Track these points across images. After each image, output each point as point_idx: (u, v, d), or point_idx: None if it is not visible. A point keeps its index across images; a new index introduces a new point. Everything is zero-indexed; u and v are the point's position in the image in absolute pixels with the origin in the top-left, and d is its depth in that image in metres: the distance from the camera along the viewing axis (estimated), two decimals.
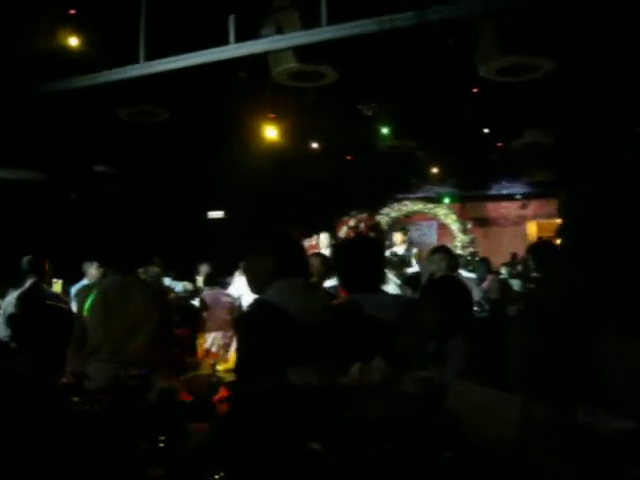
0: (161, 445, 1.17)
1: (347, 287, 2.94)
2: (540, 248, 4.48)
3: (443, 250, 4.84)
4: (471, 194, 11.54)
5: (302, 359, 2.08)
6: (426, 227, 11.75)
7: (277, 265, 2.28)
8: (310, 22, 5.83)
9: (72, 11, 6.14)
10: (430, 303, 2.38)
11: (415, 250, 7.45)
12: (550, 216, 12.52)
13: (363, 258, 2.97)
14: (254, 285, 2.36)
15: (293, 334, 2.16)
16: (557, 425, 1.24)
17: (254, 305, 2.23)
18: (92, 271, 6.88)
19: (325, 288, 3.18)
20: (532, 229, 13.07)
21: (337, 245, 4.93)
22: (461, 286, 2.52)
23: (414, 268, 7.31)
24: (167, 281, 7.25)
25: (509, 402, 1.37)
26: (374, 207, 8.56)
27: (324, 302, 2.33)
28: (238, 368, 2.39)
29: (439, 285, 2.45)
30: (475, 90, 8.19)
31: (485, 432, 1.26)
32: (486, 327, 2.66)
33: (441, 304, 2.36)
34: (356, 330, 2.31)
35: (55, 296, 5.44)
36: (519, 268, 8.67)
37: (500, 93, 7.74)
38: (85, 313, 2.68)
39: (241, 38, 5.92)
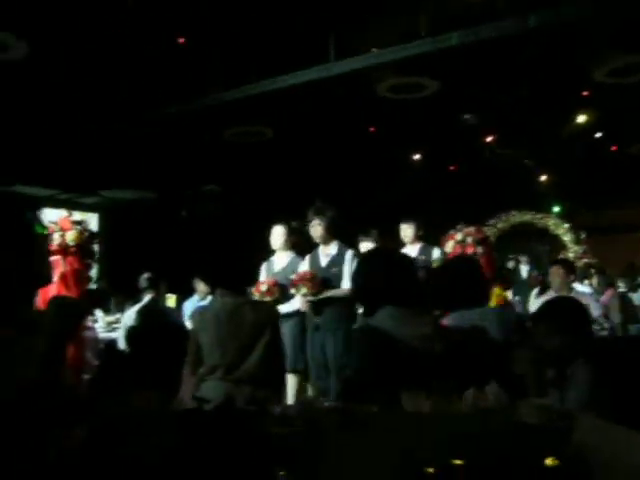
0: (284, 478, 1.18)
1: (446, 307, 2.87)
2: None
3: (560, 263, 4.67)
4: (583, 202, 11.01)
5: (416, 385, 2.05)
6: None
7: (387, 289, 2.26)
8: (409, 34, 5.82)
9: (180, 40, 6.44)
10: (546, 325, 2.27)
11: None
12: None
13: (459, 280, 2.92)
14: (364, 307, 2.37)
15: (402, 361, 2.14)
16: None
17: (363, 331, 2.23)
18: (201, 287, 7.10)
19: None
20: None
21: (434, 268, 4.81)
22: (579, 307, 2.40)
23: None
24: None
25: None
26: (481, 219, 8.35)
27: (436, 328, 2.29)
28: (347, 392, 2.40)
29: (555, 307, 2.34)
30: (585, 93, 7.83)
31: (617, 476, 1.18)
32: (608, 349, 2.52)
33: (558, 326, 2.26)
34: (471, 356, 2.25)
35: (171, 312, 5.72)
36: (639, 280, 8.17)
37: (612, 95, 7.37)
38: (199, 335, 2.79)
39: (341, 55, 6.01)
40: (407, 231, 5.45)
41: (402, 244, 5.47)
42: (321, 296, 4.53)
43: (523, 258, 9.41)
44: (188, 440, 1.26)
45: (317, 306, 4.54)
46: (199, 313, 2.93)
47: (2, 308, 1.64)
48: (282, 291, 4.64)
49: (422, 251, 5.28)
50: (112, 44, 5.94)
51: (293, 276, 4.63)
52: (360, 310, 5.16)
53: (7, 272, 1.64)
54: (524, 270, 9.21)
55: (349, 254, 4.73)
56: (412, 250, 5.29)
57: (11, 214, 1.68)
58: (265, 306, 2.93)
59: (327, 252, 4.77)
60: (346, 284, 4.57)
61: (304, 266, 4.77)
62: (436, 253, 5.30)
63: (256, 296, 4.48)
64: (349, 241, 5.52)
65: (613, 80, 6.58)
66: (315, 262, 4.75)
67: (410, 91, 6.89)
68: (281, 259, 4.97)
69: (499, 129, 8.78)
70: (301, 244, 5.13)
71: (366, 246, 5.68)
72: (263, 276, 4.87)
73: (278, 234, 5.03)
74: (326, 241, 4.77)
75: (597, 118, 8.37)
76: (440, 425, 1.73)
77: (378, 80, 6.49)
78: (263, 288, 4.54)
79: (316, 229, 4.77)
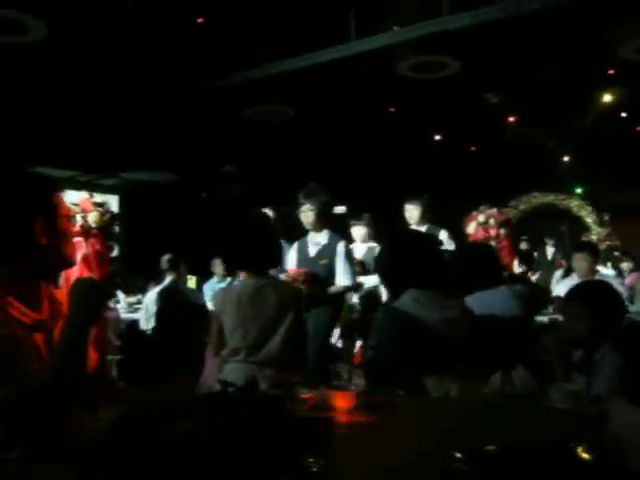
0: (311, 465, 1.16)
1: (464, 288, 2.86)
2: None
3: (586, 248, 4.57)
4: (606, 183, 10.85)
5: (440, 369, 2.03)
6: None
7: (412, 271, 2.23)
8: (431, 12, 5.71)
9: (200, 19, 6.38)
10: (576, 310, 2.23)
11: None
12: None
13: (477, 264, 2.92)
14: (389, 290, 2.35)
15: (427, 344, 2.12)
16: None
17: (388, 314, 2.20)
18: (219, 269, 7.04)
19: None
20: None
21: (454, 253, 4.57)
22: (611, 291, 2.36)
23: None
24: None
25: None
26: (502, 200, 8.26)
27: (462, 311, 2.26)
28: (370, 374, 2.38)
29: (587, 291, 2.30)
30: (611, 72, 7.66)
31: None
32: (637, 334, 2.47)
33: (589, 311, 2.22)
34: (498, 340, 2.23)
35: (193, 293, 5.74)
36: None
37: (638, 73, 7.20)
38: (222, 317, 2.78)
39: (361, 33, 5.92)
40: (413, 212, 5.13)
41: (407, 225, 5.19)
42: (316, 295, 3.99)
43: (549, 240, 9.23)
44: (213, 426, 1.25)
45: (308, 304, 3.85)
46: (221, 295, 2.91)
47: (28, 291, 1.64)
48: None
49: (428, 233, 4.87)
50: (130, 22, 5.90)
51: (283, 276, 4.06)
52: (354, 299, 5.01)
53: (33, 255, 1.63)
54: (549, 252, 9.04)
55: (341, 246, 4.18)
56: None
57: (37, 195, 1.67)
58: (288, 287, 2.90)
59: (317, 241, 4.24)
60: (340, 280, 4.11)
61: (292, 256, 4.32)
62: (443, 235, 4.99)
63: None
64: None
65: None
66: (303, 251, 4.28)
67: (431, 70, 6.79)
68: None
69: (521, 109, 8.64)
70: (287, 231, 4.73)
71: (358, 230, 5.48)
72: None
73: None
74: (317, 228, 4.25)
75: (622, 97, 8.20)
76: (469, 410, 1.71)
77: (399, 59, 6.40)
78: None
79: (307, 215, 4.22)
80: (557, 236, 9.49)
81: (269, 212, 4.66)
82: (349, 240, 4.81)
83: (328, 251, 4.17)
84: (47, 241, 1.63)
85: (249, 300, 2.73)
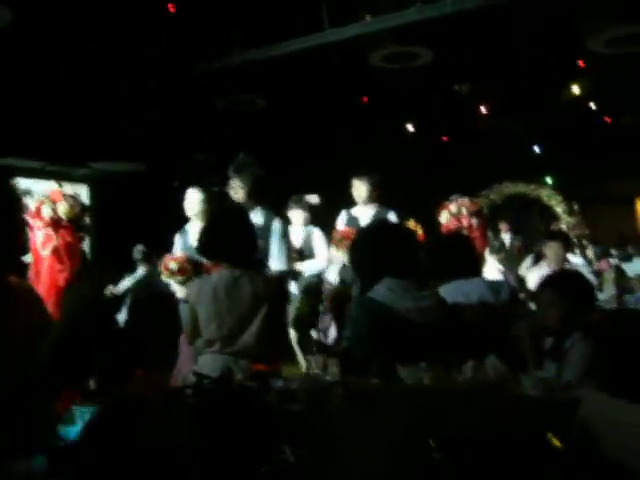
0: (289, 456, 1.17)
1: (438, 277, 2.88)
2: None
3: (559, 236, 4.64)
4: (575, 172, 11.03)
5: (413, 357, 2.05)
6: None
7: (386, 261, 2.25)
8: (404, 1, 5.72)
9: (170, 7, 6.30)
10: (549, 298, 2.28)
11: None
12: None
13: (453, 252, 2.95)
14: (362, 280, 2.37)
15: (402, 334, 2.14)
16: None
17: (364, 304, 2.22)
18: None
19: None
20: None
21: (431, 242, 4.41)
22: (584, 282, 2.41)
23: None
24: None
25: None
26: (474, 190, 8.33)
27: (435, 300, 2.29)
28: (344, 364, 2.39)
29: (560, 280, 2.35)
30: (581, 63, 7.77)
31: (625, 452, 1.18)
32: (606, 321, 2.53)
33: (561, 300, 2.26)
34: (470, 328, 2.26)
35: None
36: (630, 250, 8.24)
37: (609, 66, 7.31)
38: (197, 307, 2.77)
39: (334, 23, 5.90)
40: (360, 189, 4.65)
41: (354, 203, 4.81)
42: None
43: (503, 225, 8.99)
44: (190, 420, 1.25)
45: None
46: (196, 285, 2.90)
47: None
48: (198, 268, 3.70)
49: (377, 214, 4.57)
50: (100, 12, 5.80)
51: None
52: (293, 288, 4.69)
53: None
54: (506, 239, 8.90)
55: (276, 224, 3.76)
56: (365, 212, 4.64)
57: None
58: (264, 278, 2.90)
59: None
60: (273, 264, 3.66)
61: None
62: (392, 217, 4.56)
63: (165, 275, 3.75)
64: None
65: (610, 50, 6.52)
66: None
67: (404, 60, 6.81)
68: (198, 229, 3.69)
69: (493, 99, 8.72)
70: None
71: (297, 214, 5.15)
72: (177, 250, 4.09)
73: (195, 200, 4.11)
74: (249, 207, 3.75)
75: (591, 89, 8.33)
76: (443, 398, 1.73)
77: (372, 49, 6.40)
78: (173, 266, 3.77)
79: (236, 191, 3.77)
80: (511, 222, 9.31)
81: (197, 193, 4.17)
82: (287, 223, 4.42)
83: (263, 231, 3.66)
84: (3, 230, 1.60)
85: (225, 291, 2.72)
